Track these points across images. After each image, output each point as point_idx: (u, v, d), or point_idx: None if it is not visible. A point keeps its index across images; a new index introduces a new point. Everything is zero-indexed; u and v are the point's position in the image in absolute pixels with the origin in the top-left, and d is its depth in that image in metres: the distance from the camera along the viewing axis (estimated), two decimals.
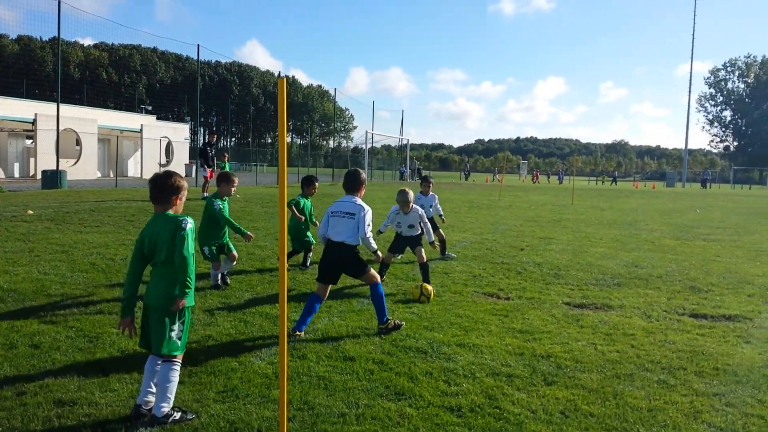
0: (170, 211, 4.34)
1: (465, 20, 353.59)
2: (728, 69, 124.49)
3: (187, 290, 4.28)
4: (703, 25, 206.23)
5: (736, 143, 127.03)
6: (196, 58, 35.57)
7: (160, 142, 40.53)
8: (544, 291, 8.98)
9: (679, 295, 8.96)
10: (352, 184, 6.72)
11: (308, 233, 10.20)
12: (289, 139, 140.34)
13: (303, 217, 10.06)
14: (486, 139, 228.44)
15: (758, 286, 9.75)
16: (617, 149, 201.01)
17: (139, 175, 41.06)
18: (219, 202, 8.38)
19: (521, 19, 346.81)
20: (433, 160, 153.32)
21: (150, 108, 78.32)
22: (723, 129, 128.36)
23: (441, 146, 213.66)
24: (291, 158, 62.41)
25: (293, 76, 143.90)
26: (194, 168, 38.78)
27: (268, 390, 4.83)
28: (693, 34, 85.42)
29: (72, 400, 4.52)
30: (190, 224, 4.26)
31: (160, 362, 4.33)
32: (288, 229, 10.03)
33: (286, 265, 3.78)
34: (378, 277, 6.73)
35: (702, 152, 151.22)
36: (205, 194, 23.52)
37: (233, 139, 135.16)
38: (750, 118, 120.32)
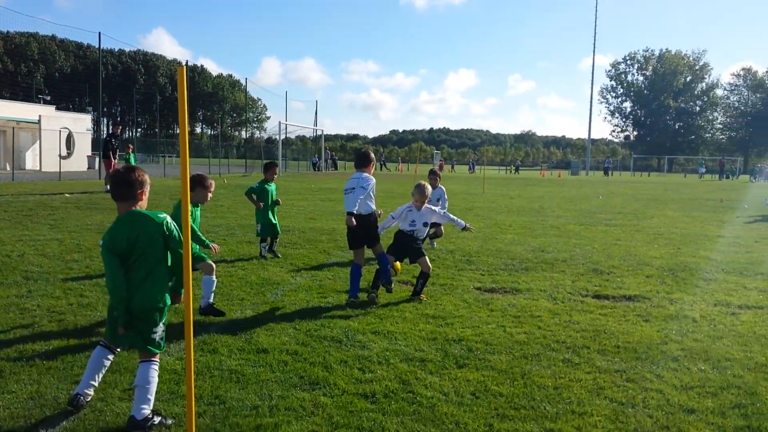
0: (137, 207, 4.14)
1: (377, 12, 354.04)
2: (628, 62, 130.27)
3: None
4: (605, 20, 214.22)
5: (636, 133, 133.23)
6: (97, 46, 33.96)
7: (60, 134, 38.51)
8: (456, 277, 9.16)
9: (582, 278, 9.33)
10: (362, 162, 7.70)
11: (273, 219, 10.45)
12: (198, 130, 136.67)
13: (261, 204, 10.32)
14: (400, 130, 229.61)
15: (656, 268, 10.28)
16: (525, 140, 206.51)
17: (38, 168, 38.93)
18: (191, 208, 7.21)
19: (433, 12, 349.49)
20: (348, 151, 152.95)
21: (49, 98, 74.25)
22: (624, 119, 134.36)
23: (356, 137, 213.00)
24: (201, 149, 60.87)
25: (202, 65, 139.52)
26: (97, 160, 37.22)
27: (177, 386, 4.70)
28: (595, 29, 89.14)
29: None
30: (170, 218, 4.21)
31: (110, 356, 4.32)
32: (256, 218, 10.60)
33: (190, 257, 3.69)
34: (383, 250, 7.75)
35: (604, 142, 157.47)
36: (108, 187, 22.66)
37: (139, 129, 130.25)
38: (648, 109, 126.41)
